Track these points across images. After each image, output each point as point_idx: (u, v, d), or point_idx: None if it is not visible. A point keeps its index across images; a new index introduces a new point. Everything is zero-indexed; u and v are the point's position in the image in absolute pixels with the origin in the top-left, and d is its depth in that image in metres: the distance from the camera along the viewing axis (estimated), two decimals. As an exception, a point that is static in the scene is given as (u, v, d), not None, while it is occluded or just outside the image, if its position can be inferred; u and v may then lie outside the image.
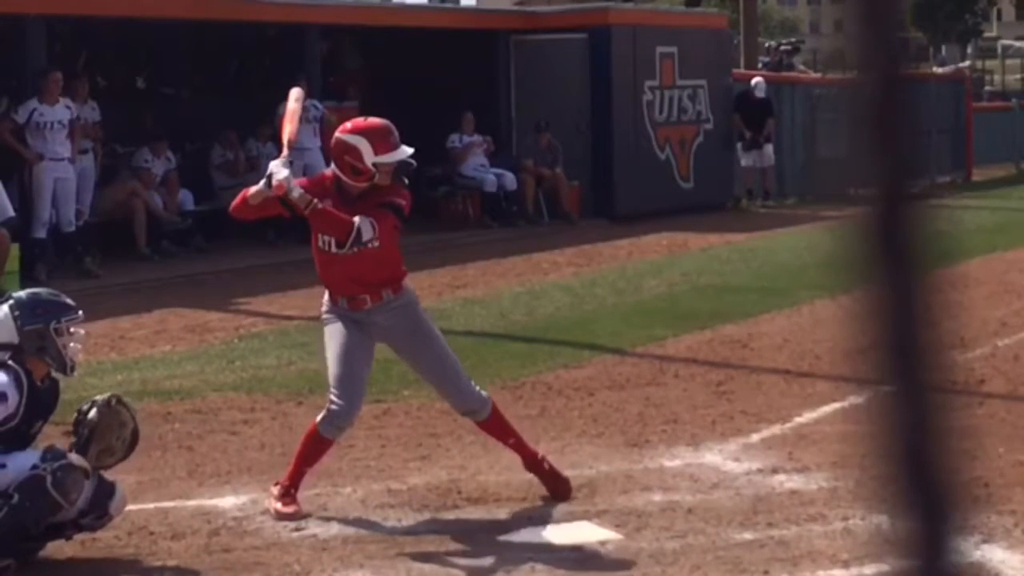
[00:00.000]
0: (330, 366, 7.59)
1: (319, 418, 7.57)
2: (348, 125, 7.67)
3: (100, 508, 6.83)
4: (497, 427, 7.84)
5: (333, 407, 7.51)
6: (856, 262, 1.89)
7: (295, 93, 8.27)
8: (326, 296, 7.72)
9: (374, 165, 7.45)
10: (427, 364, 7.75)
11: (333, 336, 7.61)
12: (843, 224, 1.92)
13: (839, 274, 1.93)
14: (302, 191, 7.40)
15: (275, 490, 7.57)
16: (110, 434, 6.96)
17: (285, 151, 7.70)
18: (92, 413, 6.94)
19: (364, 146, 7.45)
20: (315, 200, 7.38)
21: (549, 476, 7.75)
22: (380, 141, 7.49)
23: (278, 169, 7.42)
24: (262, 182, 7.46)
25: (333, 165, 7.62)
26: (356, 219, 7.35)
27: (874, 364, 1.91)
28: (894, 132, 1.87)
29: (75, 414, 7.00)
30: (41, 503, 6.55)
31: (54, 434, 7.25)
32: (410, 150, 7.62)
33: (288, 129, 7.96)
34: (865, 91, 1.87)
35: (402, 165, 7.57)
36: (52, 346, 6.83)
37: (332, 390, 7.54)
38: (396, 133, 7.65)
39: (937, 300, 1.88)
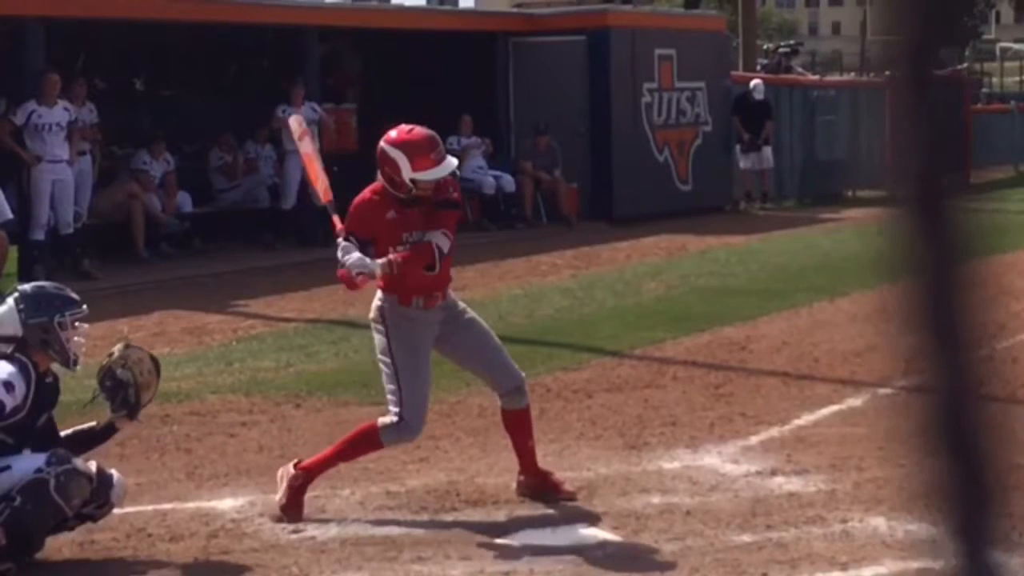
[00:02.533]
0: (404, 375, 7.39)
1: (384, 423, 7.44)
2: (393, 135, 7.41)
3: (102, 497, 6.83)
4: (527, 422, 7.81)
5: (405, 424, 7.41)
6: (898, 256, 1.89)
7: (295, 126, 8.09)
8: (383, 298, 7.45)
9: (411, 180, 7.31)
10: (483, 344, 7.65)
11: (409, 343, 7.43)
12: (884, 219, 1.92)
13: (879, 269, 1.93)
14: (380, 264, 7.27)
15: (290, 468, 7.47)
16: (140, 376, 7.05)
17: (338, 226, 7.50)
18: (124, 374, 7.00)
19: (403, 161, 7.28)
20: (390, 259, 7.26)
21: (551, 487, 7.74)
22: (420, 157, 7.29)
23: (352, 263, 7.26)
24: (353, 269, 7.30)
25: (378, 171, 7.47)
26: (432, 240, 7.30)
27: (913, 356, 1.91)
28: (934, 128, 1.88)
29: (103, 388, 7.01)
30: (43, 507, 6.55)
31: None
32: (453, 164, 7.47)
33: (320, 186, 7.75)
34: (905, 88, 1.87)
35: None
36: (55, 340, 6.83)
37: (405, 404, 7.39)
38: (440, 146, 7.47)
39: (977, 293, 1.89)
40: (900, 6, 1.89)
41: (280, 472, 7.59)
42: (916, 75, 1.88)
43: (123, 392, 7.01)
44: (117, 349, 7.14)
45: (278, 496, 7.48)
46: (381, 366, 7.54)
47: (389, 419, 7.45)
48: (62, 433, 6.98)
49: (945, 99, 1.92)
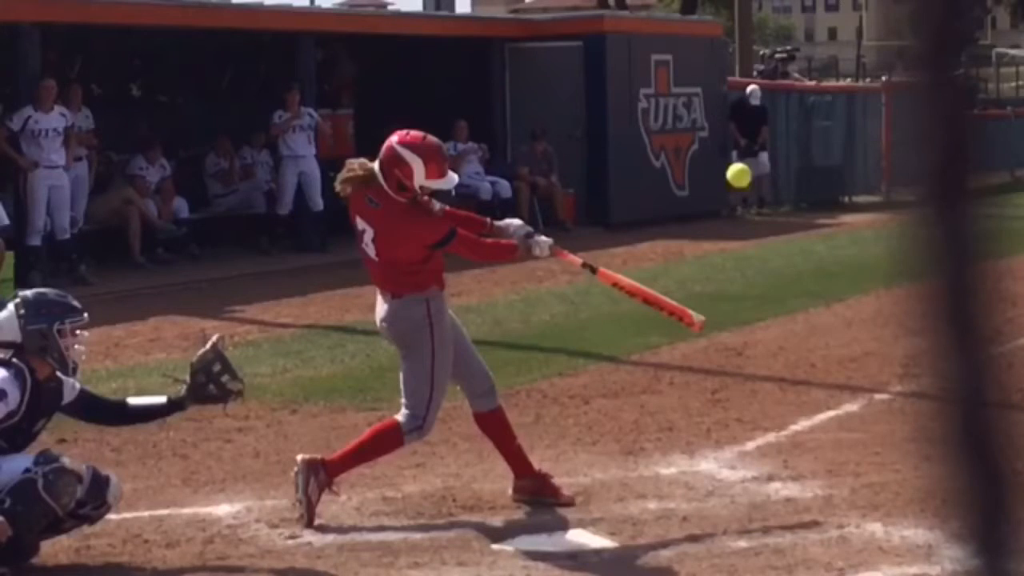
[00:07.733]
0: (439, 375, 7.42)
1: (407, 424, 7.44)
2: (406, 137, 7.39)
3: (98, 498, 6.83)
4: (504, 422, 7.83)
5: (424, 430, 7.48)
6: (915, 257, 1.89)
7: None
8: (424, 298, 7.41)
9: (420, 187, 7.34)
10: (462, 341, 7.71)
11: (447, 337, 7.46)
12: (902, 220, 1.92)
13: (895, 270, 1.94)
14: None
15: (321, 474, 7.41)
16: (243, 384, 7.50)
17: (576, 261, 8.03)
18: (235, 385, 7.37)
19: (418, 167, 7.28)
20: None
21: (549, 492, 7.73)
22: (435, 165, 7.34)
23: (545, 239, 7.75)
24: (536, 248, 7.67)
25: (378, 168, 7.40)
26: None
27: (925, 358, 1.91)
28: (960, 128, 1.89)
29: (206, 392, 7.31)
30: (33, 507, 6.54)
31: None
32: (455, 180, 7.64)
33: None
34: (930, 91, 1.88)
35: None
36: (54, 346, 6.83)
37: (431, 409, 7.43)
38: (448, 159, 7.67)
39: (995, 290, 1.90)
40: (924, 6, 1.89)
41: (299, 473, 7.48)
42: (940, 75, 1.88)
43: (226, 397, 7.33)
44: (217, 349, 7.41)
45: (299, 495, 7.43)
46: (410, 371, 7.46)
47: (412, 423, 7.44)
48: (131, 400, 7.41)
49: (966, 98, 1.93)
